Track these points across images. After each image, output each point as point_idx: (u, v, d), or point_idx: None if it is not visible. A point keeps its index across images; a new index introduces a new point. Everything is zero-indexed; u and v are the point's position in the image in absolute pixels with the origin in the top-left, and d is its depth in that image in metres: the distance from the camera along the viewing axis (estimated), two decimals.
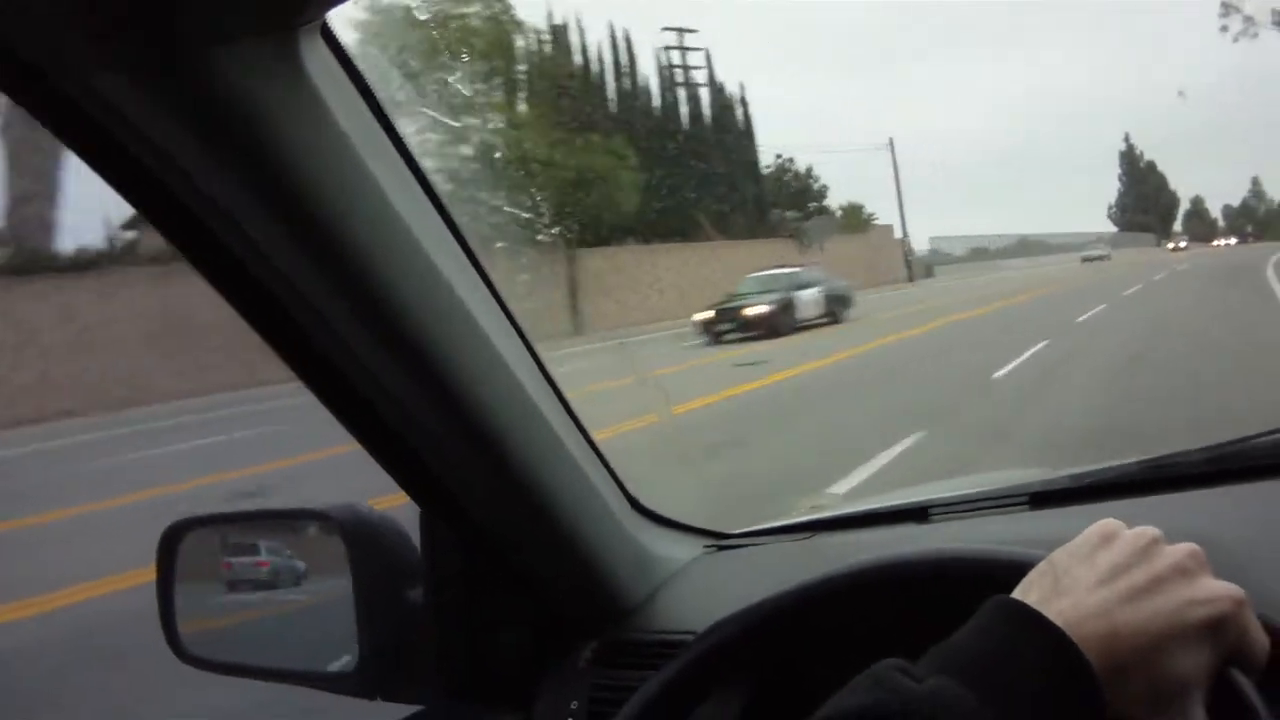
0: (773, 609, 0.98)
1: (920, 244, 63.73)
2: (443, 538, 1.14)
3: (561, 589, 1.18)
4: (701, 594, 1.22)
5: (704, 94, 45.81)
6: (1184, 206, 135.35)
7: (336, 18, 0.82)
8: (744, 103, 47.73)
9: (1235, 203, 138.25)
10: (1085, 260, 62.99)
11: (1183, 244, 76.44)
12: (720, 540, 1.36)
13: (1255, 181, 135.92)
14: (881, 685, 0.63)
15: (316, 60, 0.80)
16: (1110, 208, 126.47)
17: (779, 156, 51.95)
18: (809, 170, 52.77)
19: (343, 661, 1.14)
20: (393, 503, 1.16)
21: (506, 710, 1.20)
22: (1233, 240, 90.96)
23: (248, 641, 1.28)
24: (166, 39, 0.71)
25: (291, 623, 1.27)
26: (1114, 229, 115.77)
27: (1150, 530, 0.73)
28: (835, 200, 55.08)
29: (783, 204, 48.62)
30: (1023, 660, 0.64)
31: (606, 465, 1.20)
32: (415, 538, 1.15)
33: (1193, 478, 1.23)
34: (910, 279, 53.09)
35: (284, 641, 1.26)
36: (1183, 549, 0.72)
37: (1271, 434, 1.26)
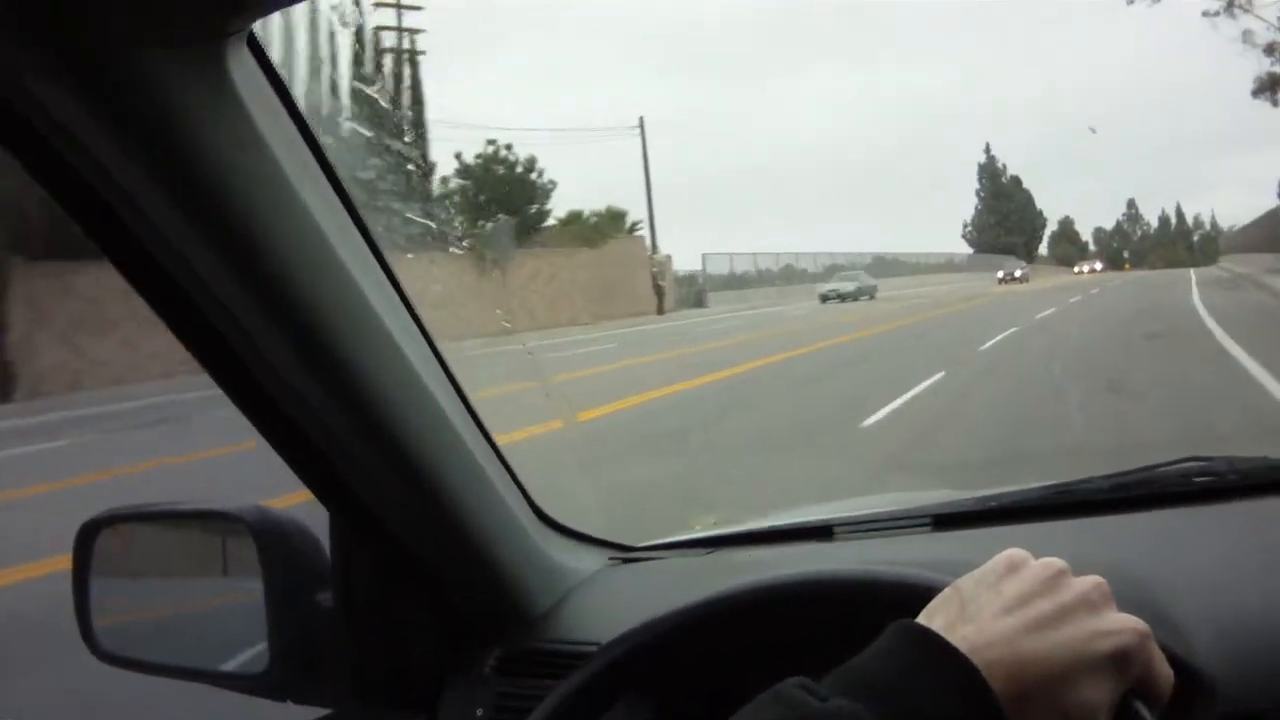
0: (676, 623, 0.99)
1: (694, 263, 49.10)
2: (352, 542, 1.15)
3: (468, 597, 1.19)
4: (605, 606, 1.23)
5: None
6: (1050, 228, 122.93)
7: (263, 28, 0.84)
8: (411, 59, 30.51)
9: (1109, 225, 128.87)
10: (826, 297, 44.46)
11: (1017, 273, 67.11)
12: (625, 553, 1.38)
13: (1130, 204, 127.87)
14: (783, 702, 0.63)
15: (241, 69, 0.82)
16: (965, 226, 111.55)
17: (492, 142, 39.75)
18: (531, 161, 40.14)
19: (253, 662, 1.15)
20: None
21: (414, 715, 1.21)
22: (1097, 265, 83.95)
23: (161, 639, 1.28)
24: (94, 44, 0.73)
25: (203, 622, 1.27)
26: (968, 250, 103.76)
27: (1057, 561, 0.74)
28: (587, 203, 44.62)
29: (491, 204, 37.81)
30: (925, 685, 0.64)
31: (514, 477, 1.21)
32: (326, 541, 1.16)
33: (1097, 504, 1.25)
34: (660, 310, 41.53)
35: (196, 640, 1.26)
36: (1089, 581, 0.73)
37: (1176, 463, 1.28)
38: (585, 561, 1.32)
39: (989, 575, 0.73)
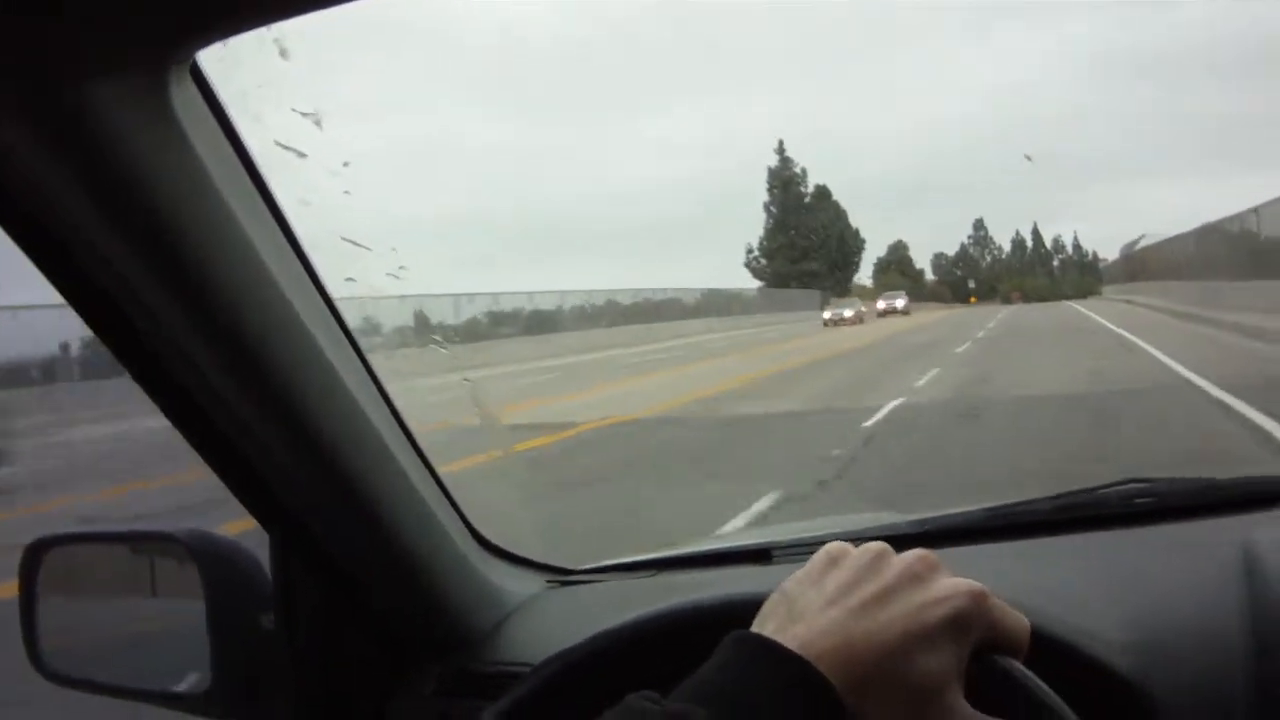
0: (605, 643, 1.01)
1: None
2: (294, 564, 1.17)
3: (407, 618, 1.22)
4: (543, 627, 1.25)
5: None
6: (877, 252, 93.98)
7: (206, 58, 0.86)
8: None
9: (951, 249, 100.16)
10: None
11: (848, 313, 45.98)
12: (564, 576, 1.40)
13: (979, 224, 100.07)
14: (628, 713, 0.66)
15: (184, 98, 0.85)
16: (750, 252, 76.39)
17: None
18: None
19: (196, 683, 1.17)
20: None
21: None
22: (898, 302, 55.41)
23: (106, 659, 1.29)
24: (40, 72, 0.75)
25: (149, 643, 1.29)
26: (755, 283, 73.97)
27: (877, 545, 0.76)
28: None
29: None
30: (760, 684, 0.66)
31: (452, 501, 1.23)
32: (267, 563, 1.18)
33: (1038, 525, 1.27)
34: None
35: (140, 660, 1.28)
36: (911, 555, 0.74)
37: (1117, 485, 1.30)
38: (525, 585, 1.34)
39: (811, 572, 0.75)
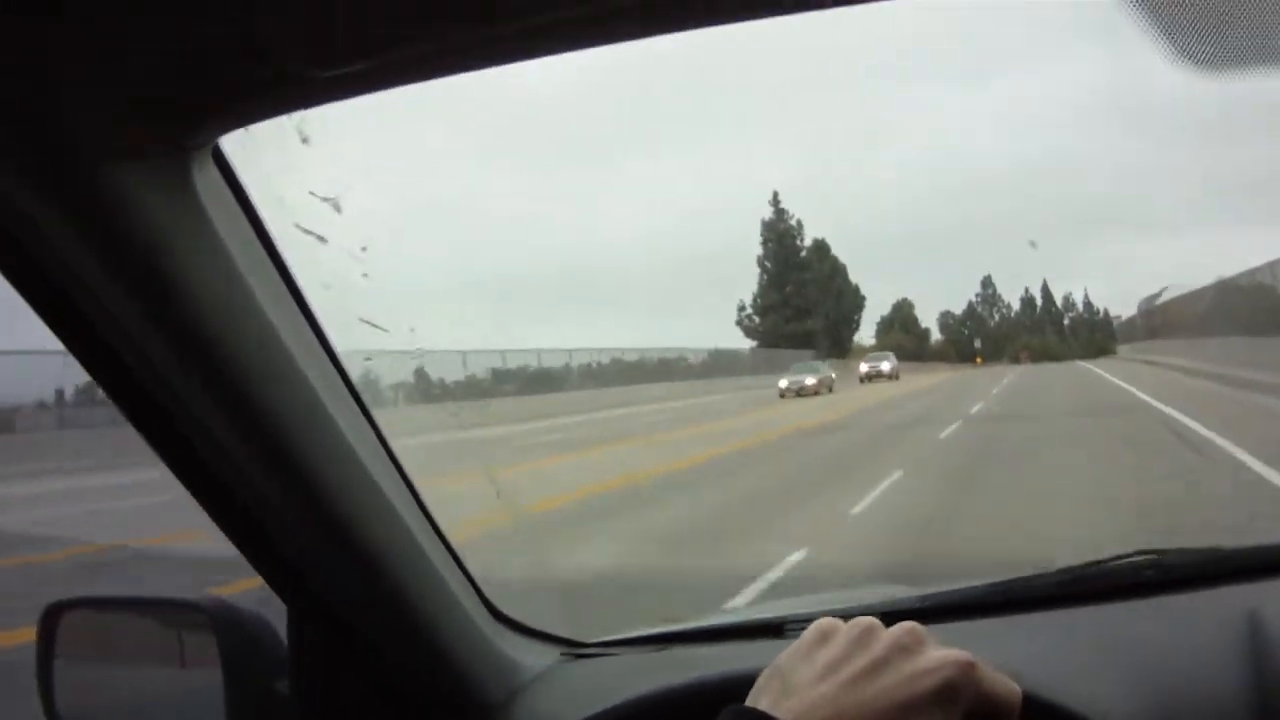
0: (617, 717, 1.04)
1: None
2: (308, 631, 1.18)
3: (421, 690, 1.22)
4: (555, 702, 1.25)
5: None
6: (881, 310, 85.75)
7: (228, 142, 0.89)
8: None
9: (959, 308, 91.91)
10: None
11: (810, 380, 36.80)
12: (577, 649, 1.39)
13: (987, 282, 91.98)
14: None
15: (206, 180, 0.88)
16: (742, 309, 70.29)
17: None
18: None
19: None
20: None
21: None
22: (884, 365, 46.86)
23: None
24: (66, 151, 0.78)
25: (163, 705, 1.29)
26: (749, 343, 67.21)
27: (866, 620, 0.77)
28: None
29: None
30: None
31: (467, 574, 1.24)
32: (283, 631, 1.19)
33: (1042, 600, 1.26)
34: None
35: None
36: (899, 628, 0.76)
37: (1125, 557, 1.30)
38: (539, 657, 1.34)
39: (802, 648, 0.77)
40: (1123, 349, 59.74)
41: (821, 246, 73.28)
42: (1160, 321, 45.53)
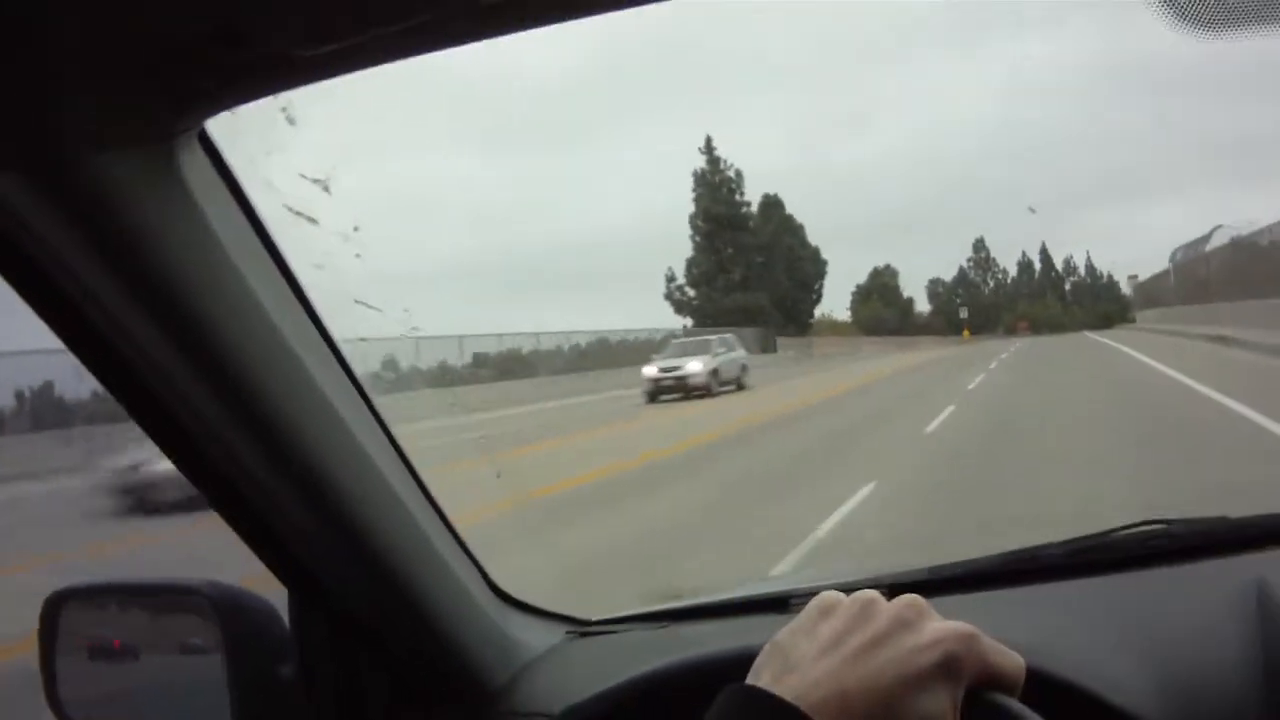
0: (615, 698, 1.03)
1: None
2: (311, 616, 1.18)
3: (425, 668, 1.22)
4: (561, 679, 1.25)
5: None
6: (858, 280, 74.59)
7: (215, 125, 0.88)
8: None
9: (949, 274, 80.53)
10: None
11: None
12: (581, 627, 1.40)
13: (979, 245, 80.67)
14: None
15: (194, 165, 0.87)
16: (671, 280, 56.92)
17: None
18: None
19: None
20: None
21: None
22: (691, 366, 24.60)
23: (126, 708, 1.30)
24: (50, 139, 0.77)
25: (168, 694, 1.28)
26: (682, 321, 52.68)
27: (867, 593, 0.76)
28: None
29: None
30: None
31: (469, 554, 1.24)
32: (285, 614, 1.18)
33: (1049, 571, 1.26)
34: None
35: (160, 710, 1.28)
36: (900, 601, 0.75)
37: (1134, 526, 1.29)
38: (543, 635, 1.34)
39: (804, 623, 0.76)
40: (1146, 316, 48.73)
41: (773, 202, 60.40)
42: (1214, 274, 31.70)
